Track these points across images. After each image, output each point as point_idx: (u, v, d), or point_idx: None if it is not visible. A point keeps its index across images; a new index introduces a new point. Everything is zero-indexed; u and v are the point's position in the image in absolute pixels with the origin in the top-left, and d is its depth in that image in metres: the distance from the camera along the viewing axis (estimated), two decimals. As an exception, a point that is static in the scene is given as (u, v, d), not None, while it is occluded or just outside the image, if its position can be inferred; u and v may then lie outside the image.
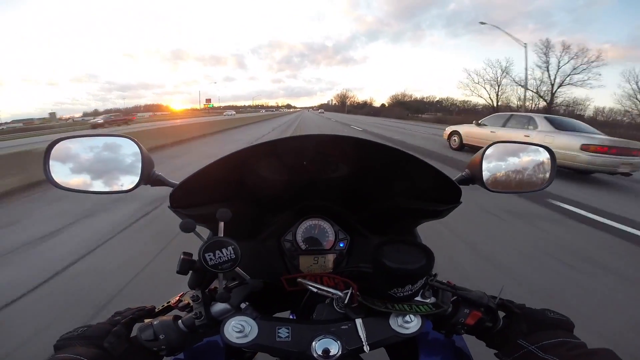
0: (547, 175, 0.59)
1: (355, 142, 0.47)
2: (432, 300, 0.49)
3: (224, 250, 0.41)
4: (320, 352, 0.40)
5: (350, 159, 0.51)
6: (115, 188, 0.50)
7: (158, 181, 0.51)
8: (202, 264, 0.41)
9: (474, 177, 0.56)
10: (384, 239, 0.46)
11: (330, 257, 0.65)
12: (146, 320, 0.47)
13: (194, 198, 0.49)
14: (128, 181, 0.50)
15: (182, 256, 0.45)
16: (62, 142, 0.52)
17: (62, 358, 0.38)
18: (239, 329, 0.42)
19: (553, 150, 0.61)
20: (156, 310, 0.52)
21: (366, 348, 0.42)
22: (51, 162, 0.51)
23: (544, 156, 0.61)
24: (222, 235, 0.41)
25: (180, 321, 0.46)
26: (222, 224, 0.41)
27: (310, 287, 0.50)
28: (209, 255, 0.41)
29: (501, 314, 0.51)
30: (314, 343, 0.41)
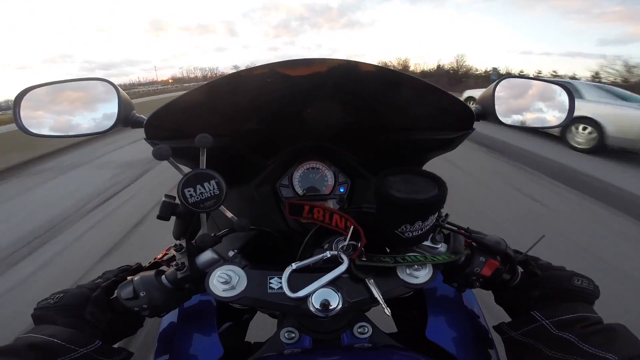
0: (565, 113, 0.54)
1: (354, 66, 0.42)
2: (443, 246, 0.44)
3: (206, 185, 0.36)
4: (318, 306, 0.36)
5: (349, 87, 0.46)
6: (90, 130, 0.46)
7: (138, 123, 0.46)
8: (181, 202, 0.36)
9: (486, 111, 0.51)
10: (387, 170, 0.40)
11: (330, 203, 0.60)
12: (128, 278, 0.42)
13: (173, 130, 0.45)
14: (104, 123, 0.46)
15: (163, 199, 0.41)
16: (33, 89, 0.49)
17: (33, 340, 0.34)
18: (225, 279, 0.37)
19: (570, 88, 0.56)
20: (143, 267, 0.48)
21: (387, 311, 0.36)
22: (22, 110, 0.47)
23: (561, 94, 0.55)
24: (204, 167, 0.36)
25: (163, 276, 0.41)
26: (204, 154, 0.36)
27: (316, 222, 0.44)
28: (189, 191, 0.35)
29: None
30: (310, 295, 0.36)
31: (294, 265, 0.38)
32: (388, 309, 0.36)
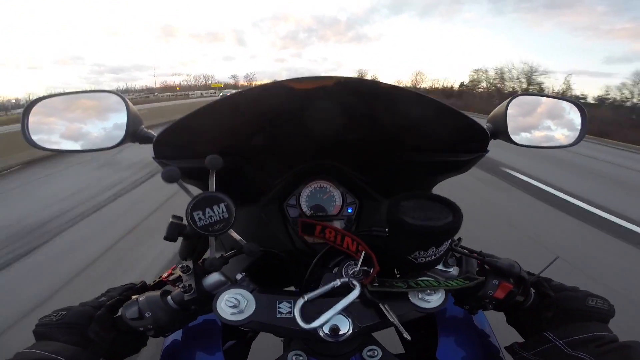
0: (577, 132, 0.53)
1: (362, 85, 0.41)
2: (455, 269, 0.43)
3: (215, 207, 0.35)
4: (327, 331, 0.34)
5: (358, 104, 0.45)
6: (98, 145, 0.46)
7: (147, 138, 0.46)
8: (189, 224, 0.35)
9: (497, 130, 0.50)
10: (400, 194, 0.39)
11: (338, 224, 0.59)
12: (132, 297, 0.42)
13: (182, 148, 0.44)
14: (112, 138, 0.45)
15: (170, 220, 0.40)
16: (42, 100, 0.48)
17: (36, 356, 0.33)
18: (233, 303, 0.36)
19: (583, 106, 0.55)
20: (148, 286, 0.47)
21: (406, 335, 0.35)
22: (31, 122, 0.47)
23: (574, 112, 0.55)
24: (213, 190, 0.36)
25: (169, 297, 0.41)
26: (213, 176, 0.35)
27: (327, 241, 0.43)
28: (197, 214, 0.35)
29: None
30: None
31: (305, 297, 0.36)
32: (407, 333, 0.35)
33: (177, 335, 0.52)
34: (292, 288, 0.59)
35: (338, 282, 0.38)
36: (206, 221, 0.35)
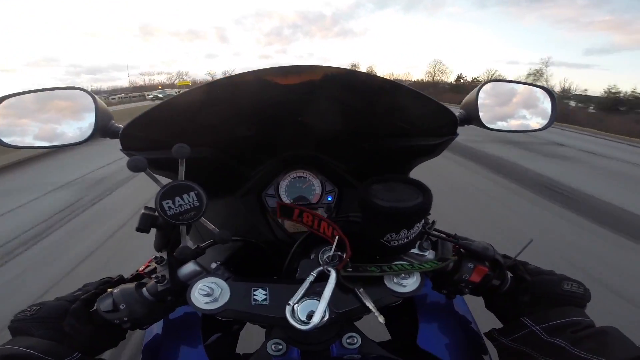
0: (548, 116, 0.55)
1: (339, 73, 0.41)
2: (430, 253, 0.43)
3: (185, 196, 0.35)
4: (304, 317, 0.35)
5: (334, 94, 0.45)
6: (67, 141, 0.45)
7: (116, 133, 0.45)
8: (160, 214, 0.35)
9: (470, 116, 0.51)
10: (372, 178, 0.40)
11: (318, 212, 0.59)
12: (108, 290, 0.41)
13: (151, 140, 0.44)
14: (81, 134, 0.44)
15: (143, 210, 0.39)
16: (10, 98, 0.47)
17: (10, 352, 0.33)
18: (207, 292, 0.36)
19: (553, 91, 0.57)
20: (125, 279, 0.46)
21: (381, 319, 0.35)
22: (-3, 120, 0.46)
23: (544, 97, 0.56)
24: (183, 179, 0.35)
25: (144, 289, 0.40)
26: (182, 165, 0.35)
27: (306, 226, 0.43)
28: (167, 203, 0.34)
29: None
30: (296, 306, 0.35)
31: (291, 303, 0.36)
32: (382, 317, 0.36)
33: (158, 329, 0.52)
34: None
35: (314, 275, 0.38)
36: (176, 210, 0.34)
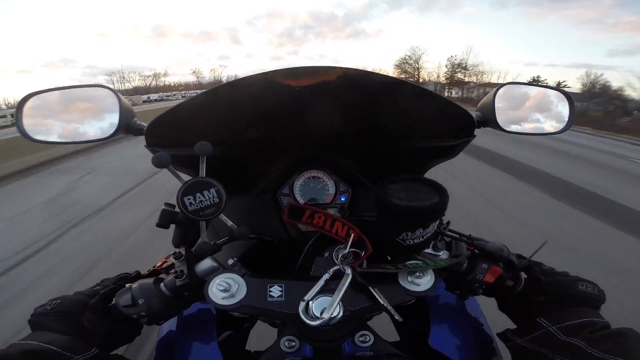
0: (565, 119, 0.54)
1: (354, 74, 0.42)
2: (444, 253, 0.43)
3: (205, 192, 0.36)
4: (318, 313, 0.35)
5: (349, 94, 0.46)
6: (91, 137, 0.46)
7: (139, 130, 0.47)
8: (181, 209, 0.35)
9: (486, 118, 0.51)
10: (388, 178, 0.40)
11: (331, 212, 0.59)
12: (126, 285, 0.42)
13: (173, 138, 0.45)
14: (105, 130, 0.46)
15: (163, 207, 0.41)
16: (36, 95, 0.49)
17: (29, 347, 0.34)
18: (224, 287, 0.36)
19: (570, 94, 0.56)
20: (142, 275, 0.47)
21: (397, 316, 0.36)
22: (25, 116, 0.47)
23: (561, 100, 0.56)
24: (204, 175, 0.36)
25: (162, 284, 0.41)
26: (204, 162, 0.36)
27: (317, 229, 0.43)
28: (188, 199, 0.35)
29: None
30: (311, 303, 0.36)
31: (305, 299, 0.36)
32: (397, 314, 0.36)
33: (172, 325, 0.53)
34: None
35: (329, 273, 0.38)
36: (197, 206, 0.35)
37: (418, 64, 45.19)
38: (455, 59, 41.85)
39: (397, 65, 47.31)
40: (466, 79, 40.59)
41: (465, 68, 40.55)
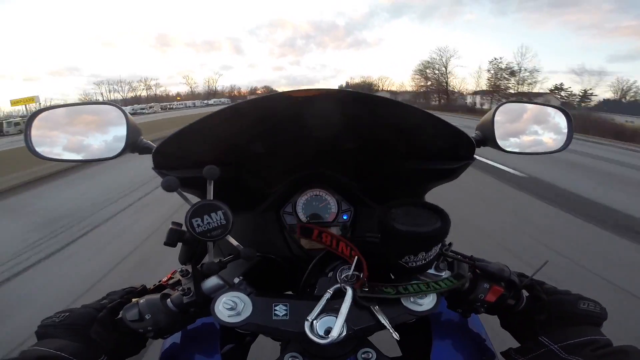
0: (564, 137, 0.55)
1: (354, 97, 0.43)
2: (446, 273, 0.44)
3: (213, 215, 0.37)
4: (322, 333, 0.36)
5: (351, 117, 0.47)
6: (98, 156, 0.47)
7: (146, 149, 0.47)
8: (188, 231, 0.37)
9: (486, 138, 0.51)
10: (391, 202, 0.41)
11: (334, 231, 0.60)
12: (133, 300, 0.43)
13: (180, 159, 0.46)
14: (112, 149, 0.47)
15: (170, 226, 0.41)
16: (44, 112, 0.50)
17: (40, 353, 0.35)
18: (231, 305, 0.37)
19: (569, 112, 0.57)
20: (148, 289, 0.48)
21: (395, 335, 0.36)
22: (33, 132, 0.48)
23: (560, 118, 0.57)
24: (211, 198, 0.37)
25: (169, 300, 0.42)
26: (211, 185, 0.37)
27: (324, 245, 0.45)
28: (196, 221, 0.36)
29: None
30: (315, 322, 0.36)
31: (309, 319, 0.37)
32: (396, 333, 0.36)
33: (176, 338, 0.53)
34: (290, 293, 0.61)
35: (330, 292, 0.39)
36: (204, 227, 0.36)
37: (446, 68, 39.28)
38: (500, 63, 34.67)
39: (418, 71, 41.99)
40: (516, 88, 32.65)
41: (512, 74, 33.07)
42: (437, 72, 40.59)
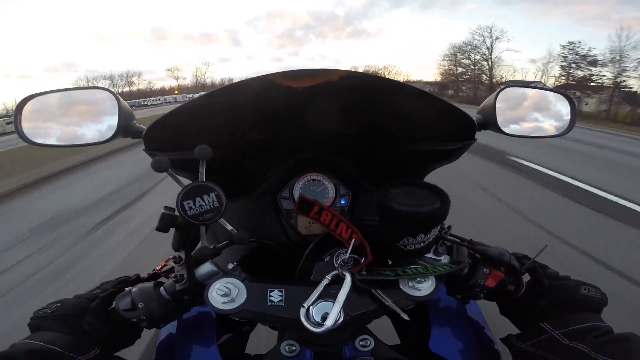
0: (567, 121, 0.54)
1: (353, 77, 0.42)
2: (445, 258, 0.43)
3: (205, 197, 0.35)
4: (318, 319, 0.35)
5: (350, 96, 0.46)
6: (90, 140, 0.46)
7: (138, 133, 0.46)
8: (180, 214, 0.35)
9: (487, 121, 0.50)
10: (390, 182, 0.40)
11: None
12: (126, 289, 0.42)
13: (173, 141, 0.45)
14: (104, 133, 0.46)
15: (162, 210, 0.40)
16: (34, 97, 0.49)
17: (30, 347, 0.34)
18: (224, 292, 0.36)
19: (571, 96, 0.56)
20: (142, 278, 0.47)
21: (404, 315, 0.35)
22: (23, 119, 0.47)
23: (562, 102, 0.55)
24: (203, 179, 0.36)
25: (162, 288, 0.41)
26: (203, 166, 0.36)
27: (323, 225, 0.43)
28: (188, 204, 0.35)
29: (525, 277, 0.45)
30: (311, 308, 0.35)
31: (306, 305, 0.36)
32: (405, 314, 0.36)
33: (172, 328, 0.52)
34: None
35: (329, 278, 0.38)
36: (196, 210, 0.35)
37: (491, 53, 29.29)
38: (578, 48, 22.99)
39: (448, 55, 32.79)
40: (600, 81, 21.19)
41: (593, 63, 21.58)
42: (477, 57, 30.75)
